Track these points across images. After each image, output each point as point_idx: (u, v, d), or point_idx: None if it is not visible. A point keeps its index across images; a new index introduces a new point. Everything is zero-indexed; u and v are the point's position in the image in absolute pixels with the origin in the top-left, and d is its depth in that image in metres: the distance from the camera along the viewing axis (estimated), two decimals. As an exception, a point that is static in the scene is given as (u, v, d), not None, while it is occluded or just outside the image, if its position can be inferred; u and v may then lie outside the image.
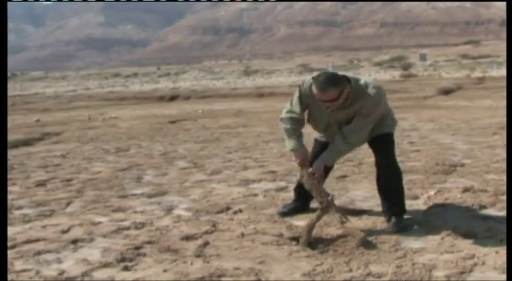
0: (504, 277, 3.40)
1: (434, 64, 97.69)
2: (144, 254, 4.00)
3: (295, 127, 4.59)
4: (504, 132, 10.36)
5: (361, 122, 4.40)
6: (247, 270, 3.60)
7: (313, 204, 4.95)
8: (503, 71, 49.95)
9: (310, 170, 4.43)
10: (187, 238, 4.37)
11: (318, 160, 4.51)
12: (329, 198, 4.23)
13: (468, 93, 25.31)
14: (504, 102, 18.19)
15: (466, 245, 3.96)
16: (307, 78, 4.52)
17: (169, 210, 5.40)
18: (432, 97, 23.89)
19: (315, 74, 4.46)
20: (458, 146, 9.02)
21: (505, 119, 12.80)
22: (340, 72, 4.45)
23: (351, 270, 3.57)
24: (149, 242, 4.28)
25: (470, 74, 51.95)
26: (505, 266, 3.52)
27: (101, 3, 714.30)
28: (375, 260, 3.77)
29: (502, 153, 8.08)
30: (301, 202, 5.10)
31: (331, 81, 4.15)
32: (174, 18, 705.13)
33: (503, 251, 3.81)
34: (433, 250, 3.93)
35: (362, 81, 4.36)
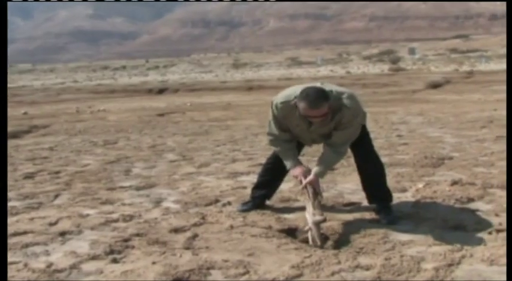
0: (492, 268, 3.42)
1: (424, 58, 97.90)
2: (133, 247, 3.99)
3: (285, 147, 4.60)
4: (493, 126, 10.44)
5: (345, 132, 4.37)
6: (236, 262, 3.60)
7: (269, 202, 5.09)
8: (492, 66, 50.23)
9: (307, 184, 4.38)
10: (176, 230, 4.37)
11: (313, 174, 4.43)
12: (322, 218, 4.16)
13: (457, 87, 25.41)
14: (493, 97, 18.33)
15: (455, 238, 3.97)
16: (276, 101, 4.44)
17: (158, 202, 5.40)
18: (421, 91, 23.98)
19: (279, 97, 4.42)
20: (447, 139, 9.06)
21: (493, 113, 12.89)
22: (309, 85, 4.38)
23: (339, 262, 3.58)
24: (138, 235, 4.28)
25: (459, 68, 52.14)
26: (493, 258, 3.55)
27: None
28: (363, 252, 3.78)
29: (491, 146, 8.13)
30: (260, 199, 5.06)
31: (322, 96, 4.09)
32: (163, 11, 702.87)
33: (491, 243, 3.83)
34: (422, 242, 3.94)
35: (334, 92, 4.27)
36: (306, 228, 4.18)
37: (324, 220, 4.16)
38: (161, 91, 32.72)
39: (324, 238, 4.12)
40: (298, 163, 4.56)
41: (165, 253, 3.82)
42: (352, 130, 4.40)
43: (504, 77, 29.37)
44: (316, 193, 4.34)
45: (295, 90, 4.37)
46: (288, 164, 4.57)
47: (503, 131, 9.53)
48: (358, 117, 4.39)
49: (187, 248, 3.92)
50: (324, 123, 4.30)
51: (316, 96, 4.07)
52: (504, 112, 12.79)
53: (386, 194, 4.74)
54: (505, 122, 10.98)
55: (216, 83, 39.23)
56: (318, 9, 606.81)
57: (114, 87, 37.45)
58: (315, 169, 4.46)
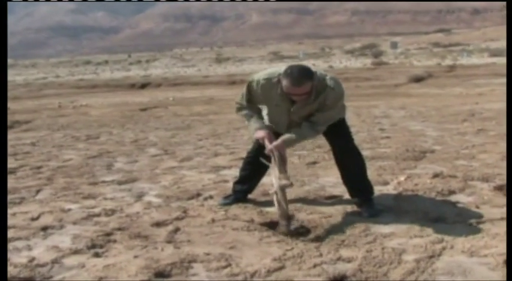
0: (472, 260, 3.45)
1: (406, 52, 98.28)
2: (115, 241, 3.99)
3: (251, 111, 4.59)
4: (474, 119, 10.53)
5: (328, 113, 4.36)
6: (218, 255, 3.61)
7: (251, 196, 5.09)
8: (473, 60, 50.51)
9: (272, 146, 4.34)
10: (158, 224, 4.37)
11: (280, 139, 4.40)
12: (287, 182, 4.18)
13: (439, 81, 25.53)
14: (475, 90, 18.47)
15: (436, 230, 3.99)
16: (258, 77, 4.44)
17: (139, 197, 5.39)
18: (403, 85, 24.06)
19: (262, 74, 4.43)
20: (429, 132, 9.10)
21: (475, 106, 12.98)
22: (294, 63, 4.43)
23: (321, 255, 3.59)
24: (119, 229, 4.27)
25: (441, 62, 52.33)
26: (473, 249, 3.58)
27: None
28: (345, 245, 3.80)
29: (472, 139, 8.19)
30: (242, 194, 5.06)
31: (306, 74, 4.10)
32: (145, 5, 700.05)
33: (472, 235, 3.86)
34: (403, 234, 3.97)
35: (319, 74, 4.29)
36: (271, 191, 4.21)
37: (290, 185, 4.20)
38: (144, 86, 32.61)
39: (306, 231, 4.14)
40: (264, 127, 4.51)
41: (146, 246, 3.83)
42: (334, 112, 4.40)
43: (486, 71, 29.64)
44: (283, 157, 4.30)
45: (277, 69, 4.38)
46: (252, 126, 4.54)
47: (484, 125, 9.62)
48: (341, 100, 4.41)
49: (169, 242, 3.92)
50: (306, 103, 4.29)
51: (300, 74, 4.09)
52: (486, 106, 12.91)
53: (367, 188, 4.75)
54: (485, 115, 11.08)
55: (198, 77, 39.15)
56: (300, 4, 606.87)
57: (97, 82, 37.29)
58: (284, 135, 4.43)
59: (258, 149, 4.77)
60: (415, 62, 58.20)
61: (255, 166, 4.95)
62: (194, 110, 14.99)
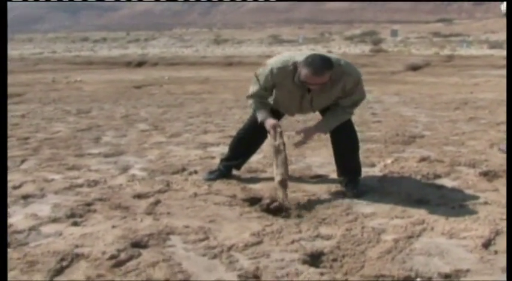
0: (450, 241, 3.44)
1: (405, 40, 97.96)
2: (94, 211, 3.98)
3: (263, 101, 4.59)
4: (466, 108, 10.48)
5: (352, 97, 4.42)
6: (196, 228, 3.59)
7: (236, 172, 5.06)
8: (472, 50, 50.41)
9: (300, 134, 4.48)
10: (140, 196, 4.36)
11: (313, 128, 4.49)
12: (282, 178, 4.22)
13: (436, 70, 25.43)
14: (471, 81, 18.42)
15: (417, 212, 3.99)
16: (272, 65, 4.38)
17: (124, 169, 5.37)
18: (400, 72, 23.97)
19: (275, 62, 4.38)
20: (420, 118, 9.07)
21: (469, 95, 12.94)
22: (307, 52, 4.41)
23: (300, 231, 3.58)
24: (100, 200, 4.26)
25: (440, 52, 52.19)
26: (453, 232, 3.57)
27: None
28: (325, 223, 3.79)
29: (462, 127, 8.16)
30: (228, 169, 5.04)
31: (327, 64, 4.10)
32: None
33: (453, 218, 3.85)
34: (384, 215, 3.95)
35: (334, 59, 4.26)
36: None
37: (285, 180, 4.21)
38: (140, 64, 32.44)
39: (286, 209, 4.11)
40: (270, 116, 4.51)
41: (126, 217, 3.81)
42: (357, 95, 4.45)
43: (484, 62, 29.58)
44: (279, 151, 4.30)
45: (291, 56, 4.38)
46: (261, 116, 4.54)
47: (477, 113, 9.59)
48: (360, 83, 4.42)
49: (148, 214, 3.91)
50: (323, 90, 4.29)
51: (322, 64, 4.08)
52: (480, 95, 12.88)
53: (356, 168, 4.74)
54: (478, 104, 11.05)
55: (196, 58, 38.93)
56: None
57: (93, 59, 37.06)
58: (317, 124, 4.54)
59: (252, 129, 4.78)
60: (414, 51, 57.99)
61: (245, 143, 4.95)
62: (188, 89, 14.91)
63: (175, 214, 3.90)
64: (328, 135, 4.81)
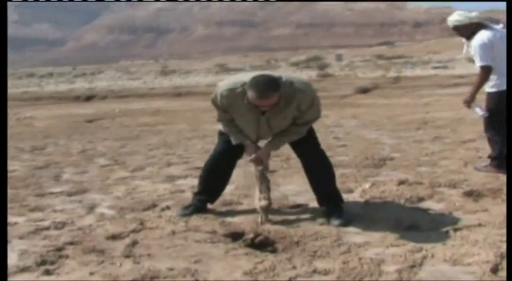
0: (455, 269, 3.24)
1: (350, 64, 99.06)
2: (67, 256, 3.64)
3: (234, 123, 4.40)
4: (428, 128, 10.43)
5: (307, 114, 4.26)
6: (182, 270, 3.30)
7: (210, 206, 4.80)
8: (417, 71, 51.24)
9: (254, 156, 4.33)
10: (114, 237, 4.03)
11: (265, 146, 4.38)
12: (266, 203, 4.20)
13: (385, 92, 25.65)
14: (421, 101, 18.62)
15: (412, 238, 3.77)
16: (220, 89, 4.23)
17: (91, 208, 5.04)
18: (350, 96, 24.11)
19: (223, 85, 4.24)
20: (385, 140, 8.96)
21: (426, 115, 12.96)
22: (256, 73, 4.24)
23: (294, 267, 3.32)
24: (72, 243, 3.92)
25: (386, 74, 52.85)
26: (455, 258, 3.37)
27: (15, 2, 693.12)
28: (318, 256, 3.54)
29: (429, 146, 8.07)
30: (202, 204, 4.76)
31: (272, 85, 3.92)
32: (90, 17, 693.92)
33: (450, 243, 3.66)
34: (378, 243, 3.73)
35: (285, 79, 4.10)
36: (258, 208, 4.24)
37: (269, 205, 4.21)
38: (89, 98, 32.02)
39: (272, 242, 3.88)
40: (246, 139, 4.38)
41: (103, 262, 3.49)
42: (312, 112, 4.29)
43: (430, 82, 29.95)
44: (264, 176, 4.23)
45: (240, 77, 4.21)
46: (236, 138, 4.40)
47: (439, 132, 9.55)
48: (316, 100, 4.24)
49: (127, 257, 3.59)
50: (276, 111, 4.11)
51: (266, 86, 3.89)
52: (436, 115, 12.90)
53: (337, 195, 4.54)
54: (438, 123, 11.03)
55: (144, 89, 38.59)
56: (245, 16, 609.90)
57: (41, 95, 36.50)
58: (269, 142, 4.43)
59: (219, 157, 4.57)
60: (360, 74, 58.63)
61: (215, 175, 4.71)
62: (141, 121, 14.63)
63: (156, 255, 3.60)
64: (299, 164, 4.65)
